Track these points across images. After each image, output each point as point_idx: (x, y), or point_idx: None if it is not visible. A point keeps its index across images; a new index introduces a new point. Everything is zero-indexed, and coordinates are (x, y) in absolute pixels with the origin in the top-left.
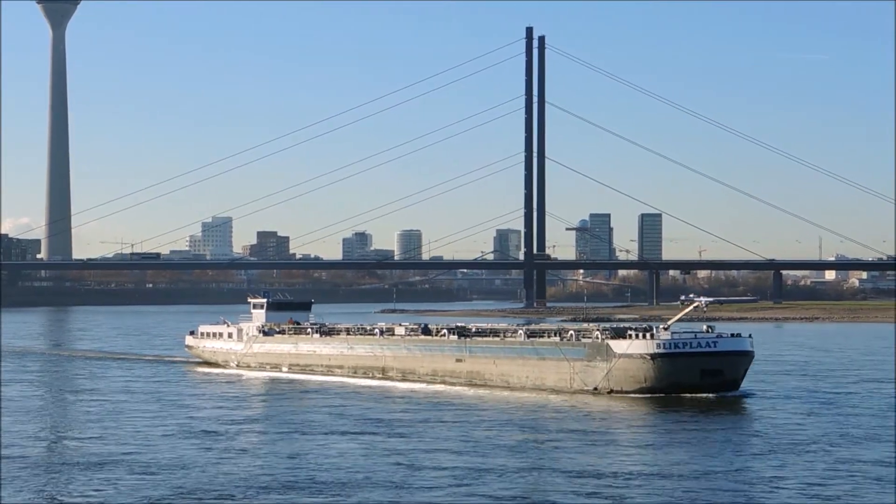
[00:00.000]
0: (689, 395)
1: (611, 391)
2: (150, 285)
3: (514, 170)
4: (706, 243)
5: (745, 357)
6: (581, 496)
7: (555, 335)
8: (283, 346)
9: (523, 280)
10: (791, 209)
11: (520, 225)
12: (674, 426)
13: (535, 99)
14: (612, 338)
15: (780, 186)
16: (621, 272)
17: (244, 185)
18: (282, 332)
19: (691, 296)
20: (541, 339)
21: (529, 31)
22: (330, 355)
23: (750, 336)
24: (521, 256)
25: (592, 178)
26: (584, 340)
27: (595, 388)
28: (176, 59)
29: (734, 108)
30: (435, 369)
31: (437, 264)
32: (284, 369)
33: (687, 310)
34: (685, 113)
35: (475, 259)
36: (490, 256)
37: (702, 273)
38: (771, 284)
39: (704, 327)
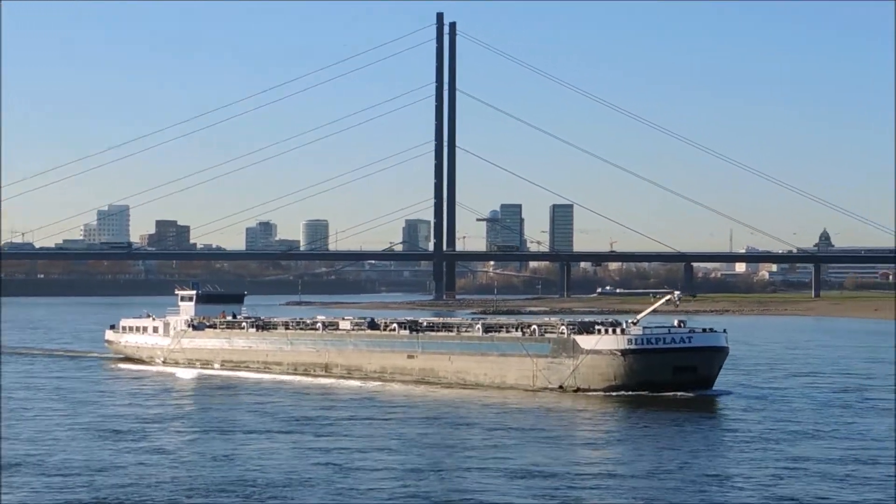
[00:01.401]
0: (661, 393)
1: (577, 389)
2: (42, 276)
3: (423, 159)
4: (617, 235)
5: (720, 353)
6: (525, 497)
7: (516, 330)
8: (215, 342)
9: (433, 272)
10: (703, 201)
11: (429, 215)
12: (637, 425)
13: (445, 86)
14: (579, 333)
15: (693, 178)
16: (532, 264)
17: (142, 172)
18: (213, 326)
19: (673, 294)
20: (501, 335)
21: (440, 16)
22: (267, 351)
23: (724, 331)
24: (431, 247)
25: (504, 168)
26: (548, 335)
27: (561, 386)
28: (73, 45)
29: (647, 98)
30: (384, 366)
31: (345, 255)
32: (216, 366)
33: (658, 303)
34: (597, 102)
35: (383, 250)
36: (399, 247)
37: (613, 265)
38: (682, 277)
39: (676, 322)
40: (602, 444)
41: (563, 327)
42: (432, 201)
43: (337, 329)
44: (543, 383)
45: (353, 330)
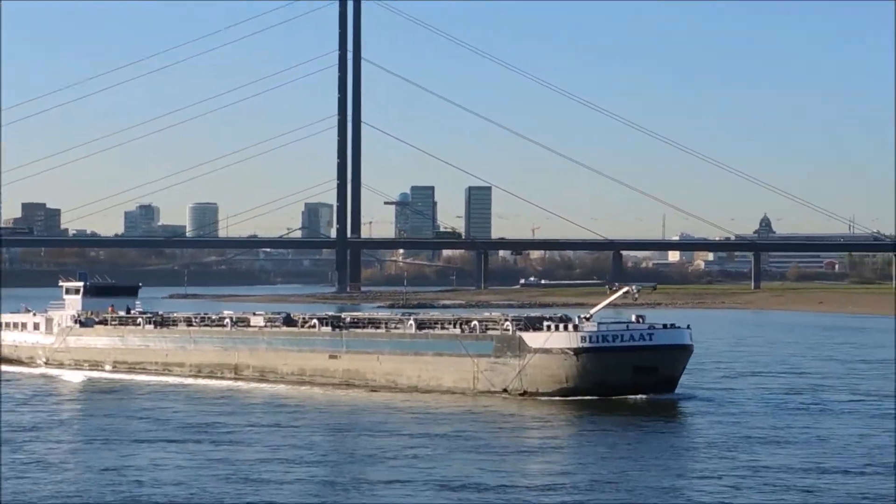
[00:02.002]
0: (618, 397)
1: (524, 393)
2: None
3: (325, 136)
4: (540, 220)
5: (684, 352)
6: None
7: (454, 326)
8: (107, 340)
9: (335, 261)
10: (633, 183)
11: (332, 198)
12: (587, 431)
13: (349, 55)
14: (525, 329)
15: (622, 158)
16: (446, 252)
17: (8, 149)
18: (103, 322)
19: (624, 286)
20: (436, 332)
21: None
22: (167, 351)
23: (689, 327)
24: (334, 234)
25: (414, 146)
26: (490, 332)
27: (505, 390)
28: None
29: (573, 72)
30: (302, 368)
31: (236, 242)
32: (108, 368)
33: (614, 296)
34: (519, 75)
35: (280, 237)
36: (297, 234)
37: (535, 254)
38: (610, 266)
39: (633, 317)
40: (544, 452)
41: (508, 323)
42: (335, 183)
43: (248, 326)
44: (485, 386)
45: (266, 327)
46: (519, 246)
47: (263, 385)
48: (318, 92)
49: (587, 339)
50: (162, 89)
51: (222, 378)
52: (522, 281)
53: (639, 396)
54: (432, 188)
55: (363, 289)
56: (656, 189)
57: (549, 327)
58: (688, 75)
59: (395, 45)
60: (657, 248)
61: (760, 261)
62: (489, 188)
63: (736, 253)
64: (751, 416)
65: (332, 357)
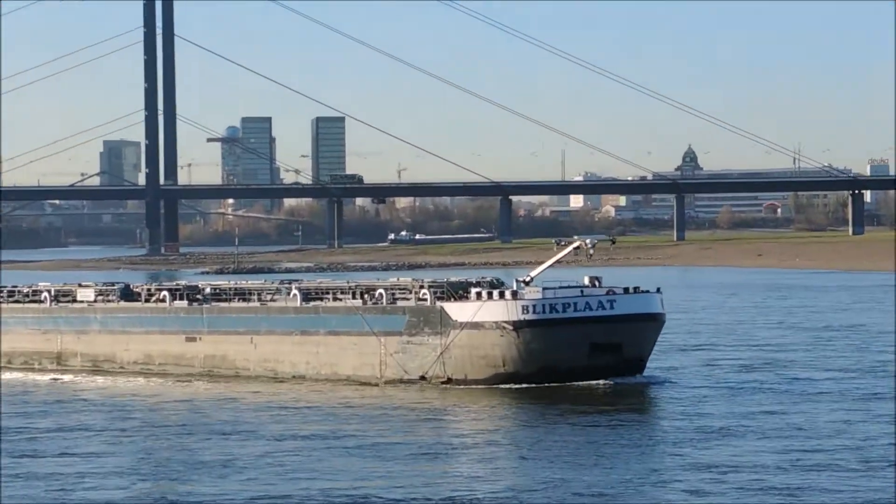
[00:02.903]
0: (571, 383)
1: (448, 380)
2: None
3: (129, 53)
4: (408, 160)
5: (654, 323)
6: None
7: (353, 297)
8: None
9: (145, 215)
10: (523, 110)
11: (139, 135)
12: (520, 426)
13: None
14: (448, 298)
15: (510, 80)
16: (288, 202)
17: None
18: None
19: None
20: (330, 304)
21: None
22: None
23: (659, 291)
24: (142, 181)
25: (244, 67)
26: (402, 304)
27: (423, 377)
28: None
29: None
30: (149, 354)
31: (15, 193)
32: None
33: (562, 254)
34: None
35: (72, 185)
36: (95, 181)
37: (402, 202)
38: (497, 216)
39: (586, 279)
40: (461, 454)
41: (425, 291)
42: (142, 115)
43: (74, 302)
44: (396, 373)
45: (98, 302)
46: (382, 192)
47: (98, 378)
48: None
49: (530, 309)
50: None
51: (41, 370)
52: (392, 237)
53: (598, 382)
54: (269, 120)
55: (182, 250)
56: (554, 117)
57: (478, 295)
58: None
59: None
60: (556, 192)
61: (685, 205)
62: (342, 119)
63: (654, 196)
64: (705, 402)
65: (189, 340)
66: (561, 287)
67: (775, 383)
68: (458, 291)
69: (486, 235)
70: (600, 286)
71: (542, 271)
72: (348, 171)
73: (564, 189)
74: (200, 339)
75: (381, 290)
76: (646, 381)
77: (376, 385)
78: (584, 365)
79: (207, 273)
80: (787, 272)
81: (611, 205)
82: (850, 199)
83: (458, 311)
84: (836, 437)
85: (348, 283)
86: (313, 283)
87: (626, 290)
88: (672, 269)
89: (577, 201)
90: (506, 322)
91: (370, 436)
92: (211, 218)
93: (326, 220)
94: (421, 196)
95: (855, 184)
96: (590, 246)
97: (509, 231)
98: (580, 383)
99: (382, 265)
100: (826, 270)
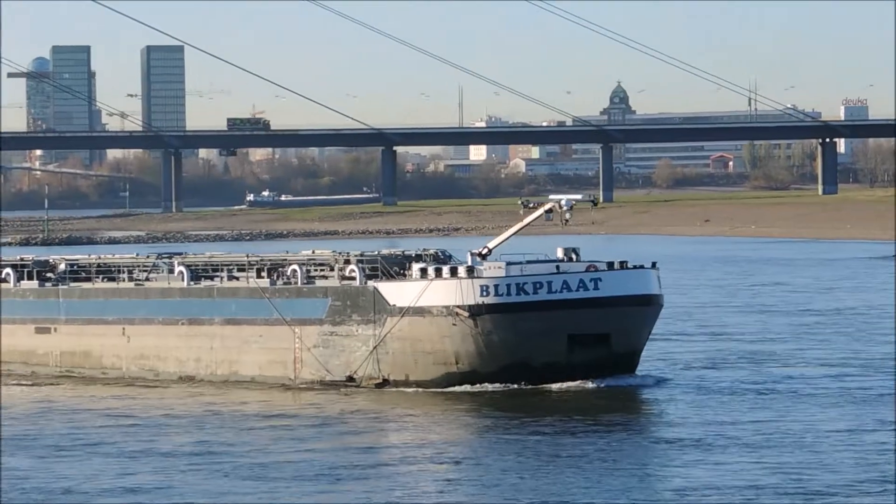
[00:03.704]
0: (546, 386)
1: (384, 382)
2: None
3: None
4: (264, 101)
5: (649, 308)
6: None
7: (258, 274)
8: None
9: None
10: (409, 37)
11: None
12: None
13: None
14: (383, 276)
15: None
16: (112, 154)
17: None
18: None
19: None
20: (226, 285)
21: None
22: None
23: (655, 266)
24: None
25: None
26: (322, 283)
27: (350, 378)
28: None
29: None
30: None
31: None
32: None
33: (530, 218)
34: None
35: None
36: None
37: (259, 153)
38: (378, 171)
39: (560, 251)
40: (370, 477)
41: (352, 267)
42: None
43: None
44: (315, 373)
45: None
46: (232, 142)
47: None
48: None
49: (490, 289)
50: None
51: None
52: (251, 198)
53: (578, 384)
54: (87, 50)
55: None
56: (449, 48)
57: (423, 272)
58: None
59: None
60: (452, 142)
61: (613, 158)
62: (179, 49)
63: (575, 146)
64: (677, 405)
65: (40, 331)
66: (529, 262)
67: (759, 381)
68: (395, 267)
69: (367, 196)
70: (578, 259)
71: (503, 241)
72: (190, 118)
73: (462, 138)
74: (56, 329)
75: (295, 267)
76: (639, 383)
77: (289, 388)
78: (560, 362)
79: (11, 245)
80: (743, 241)
81: (521, 158)
82: (819, 149)
83: (396, 292)
84: (840, 451)
85: (248, 256)
86: (202, 256)
87: (610, 265)
88: (596, 238)
89: (478, 154)
90: (459, 307)
91: (255, 453)
92: (13, 174)
93: (161, 176)
94: (282, 147)
95: (825, 130)
96: (565, 209)
97: (394, 191)
98: (555, 386)
99: (233, 234)
100: (790, 239)
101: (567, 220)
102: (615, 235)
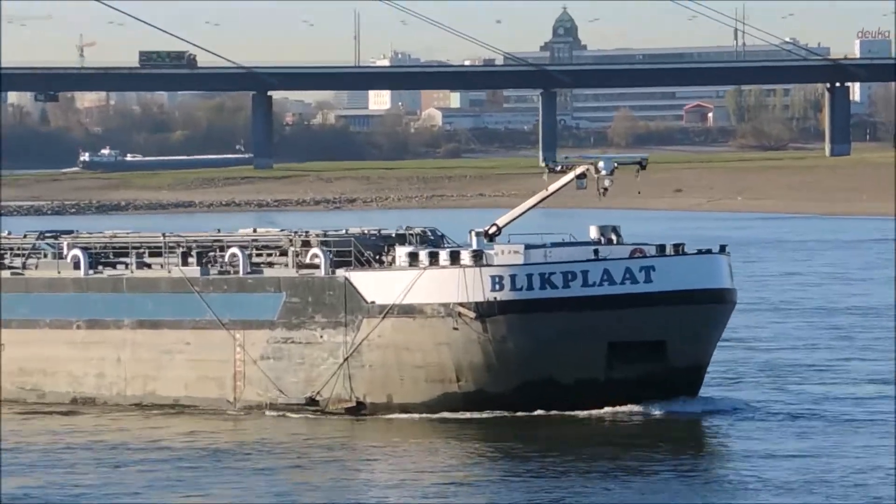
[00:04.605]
0: (577, 413)
1: (358, 406)
2: None
3: None
4: (96, 29)
5: (721, 307)
6: None
7: (185, 259)
8: None
9: None
10: None
11: None
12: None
13: None
14: (357, 263)
15: None
16: None
17: None
18: None
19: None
20: (143, 274)
21: None
22: None
23: (724, 251)
24: None
25: None
26: (273, 273)
27: (312, 400)
28: None
29: None
30: None
31: None
32: None
33: (559, 185)
34: None
35: None
36: None
37: (89, 98)
38: (248, 123)
39: (593, 231)
40: None
41: (315, 251)
42: None
43: None
44: (263, 394)
45: None
46: (51, 83)
47: None
48: None
49: (506, 282)
50: None
51: None
52: (86, 157)
53: (623, 409)
54: None
55: None
56: None
57: (412, 258)
58: None
59: None
60: (345, 86)
61: (557, 107)
62: None
63: (506, 92)
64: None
65: None
66: (554, 245)
67: (786, 403)
68: (371, 252)
69: (237, 157)
70: (620, 242)
71: (516, 217)
72: (4, 45)
73: (359, 80)
74: None
75: (235, 251)
76: (703, 410)
77: (226, 415)
78: (598, 380)
79: None
80: (726, 218)
81: (436, 107)
82: (826, 96)
83: (376, 285)
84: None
85: (165, 236)
86: (100, 235)
87: (660, 248)
88: (536, 211)
89: (380, 102)
90: (463, 304)
91: None
92: None
93: None
94: (117, 90)
95: (835, 72)
96: (604, 173)
97: (269, 150)
98: (592, 412)
99: (53, 206)
100: (789, 215)
101: (606, 189)
102: (555, 210)
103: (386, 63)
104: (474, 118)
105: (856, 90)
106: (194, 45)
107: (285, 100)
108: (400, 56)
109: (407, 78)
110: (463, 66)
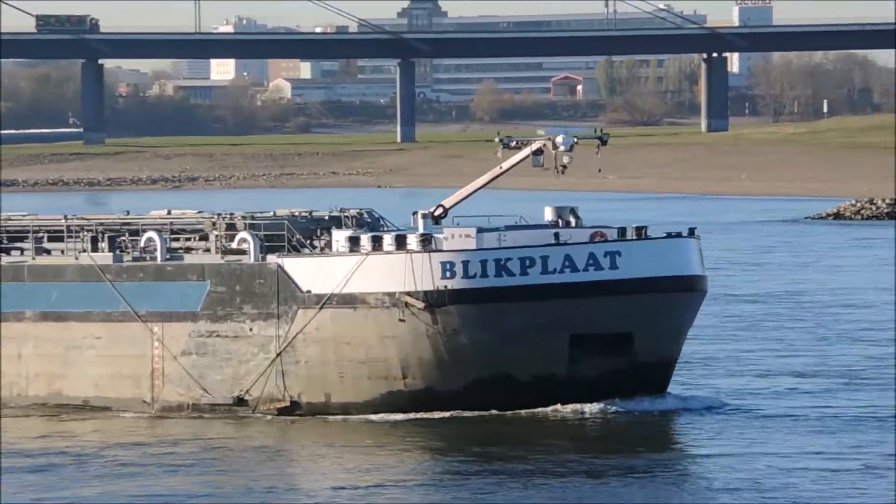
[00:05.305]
0: (538, 411)
1: (292, 406)
2: None
3: None
4: None
5: (691, 295)
6: None
7: (94, 243)
8: None
9: None
10: None
11: None
12: None
13: None
14: (291, 248)
15: None
16: None
17: None
18: None
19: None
20: (47, 261)
21: None
22: None
23: (694, 234)
24: None
25: None
26: (195, 259)
27: (241, 400)
28: None
29: None
30: None
31: None
32: None
33: (513, 161)
34: None
35: None
36: None
37: None
38: (78, 94)
39: (548, 213)
40: None
41: (243, 234)
42: None
43: None
44: (185, 394)
45: None
46: None
47: None
48: None
49: (458, 269)
50: None
51: None
52: None
53: (586, 408)
54: None
55: None
56: None
57: (353, 242)
58: None
59: None
60: (185, 54)
61: (415, 78)
62: None
63: (361, 62)
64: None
65: None
66: (510, 228)
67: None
68: (306, 233)
69: (66, 131)
70: (579, 225)
71: (464, 197)
72: None
73: (200, 48)
74: None
75: (151, 234)
76: (673, 406)
77: (143, 416)
78: (559, 375)
79: None
80: (595, 198)
81: (284, 78)
82: (703, 68)
83: (312, 273)
84: None
85: (68, 218)
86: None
87: (621, 231)
88: (391, 193)
89: (223, 72)
90: (410, 294)
91: None
92: None
93: None
94: None
95: (712, 41)
96: (562, 149)
97: (101, 123)
98: (553, 410)
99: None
100: (665, 195)
101: (565, 166)
102: (415, 189)
103: (230, 29)
104: (326, 90)
105: (734, 61)
106: (15, 6)
107: (118, 69)
108: (245, 22)
109: (252, 46)
110: (314, 33)
